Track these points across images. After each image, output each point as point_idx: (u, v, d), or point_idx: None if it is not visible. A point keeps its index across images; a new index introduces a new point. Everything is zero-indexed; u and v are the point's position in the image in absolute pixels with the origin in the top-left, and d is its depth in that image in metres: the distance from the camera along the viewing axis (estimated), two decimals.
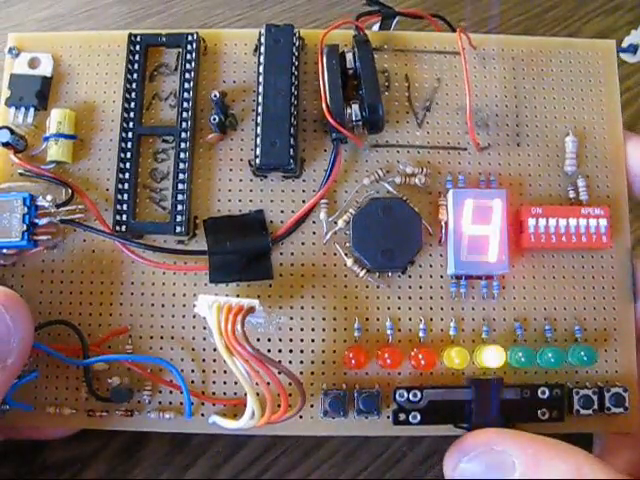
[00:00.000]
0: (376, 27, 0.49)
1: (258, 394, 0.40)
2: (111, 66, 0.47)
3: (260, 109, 0.44)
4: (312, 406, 0.43)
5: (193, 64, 0.46)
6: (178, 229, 0.44)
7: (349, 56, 0.45)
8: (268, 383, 0.39)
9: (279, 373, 0.40)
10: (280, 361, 0.43)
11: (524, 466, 0.37)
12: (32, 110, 0.46)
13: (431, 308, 0.44)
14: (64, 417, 0.43)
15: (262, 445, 0.47)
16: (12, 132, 0.44)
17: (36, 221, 0.43)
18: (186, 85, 0.45)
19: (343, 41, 0.47)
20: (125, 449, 0.47)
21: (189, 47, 0.46)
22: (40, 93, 0.46)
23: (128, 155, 0.45)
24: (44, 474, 0.47)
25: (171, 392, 0.43)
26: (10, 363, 0.38)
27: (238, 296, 0.44)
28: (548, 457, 0.37)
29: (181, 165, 0.45)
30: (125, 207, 0.44)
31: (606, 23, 0.59)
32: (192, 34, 0.46)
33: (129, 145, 0.45)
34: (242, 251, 0.44)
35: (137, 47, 0.46)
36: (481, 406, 0.42)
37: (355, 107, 0.44)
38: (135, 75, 0.46)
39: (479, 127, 0.46)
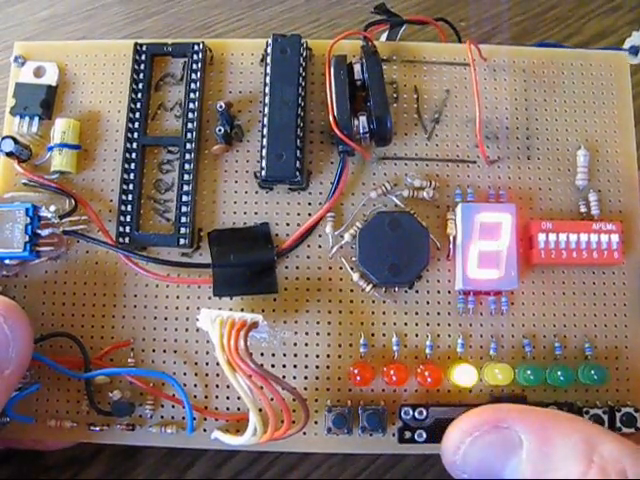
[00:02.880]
0: (384, 36, 0.48)
1: (261, 410, 0.39)
2: (116, 75, 0.46)
3: (266, 120, 0.44)
4: (316, 422, 0.42)
5: (199, 74, 0.45)
6: (182, 241, 0.43)
7: (357, 67, 0.44)
8: (271, 399, 0.39)
9: (282, 389, 0.39)
10: (284, 376, 0.43)
11: (533, 442, 0.34)
12: (37, 119, 0.45)
13: (438, 324, 0.44)
14: (65, 430, 0.42)
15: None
16: (16, 141, 0.43)
17: (39, 232, 0.42)
18: (191, 95, 0.45)
19: (351, 51, 0.46)
20: (125, 449, 0.47)
21: (195, 57, 0.45)
22: (45, 102, 0.45)
23: (132, 166, 0.44)
24: (44, 474, 0.47)
25: (173, 406, 0.43)
26: (8, 373, 0.38)
27: (242, 310, 0.44)
28: (558, 430, 0.34)
29: (185, 176, 0.44)
30: (129, 218, 0.44)
31: (606, 23, 0.59)
32: (198, 44, 0.46)
33: (133, 155, 0.44)
34: (246, 264, 0.44)
35: (143, 57, 0.46)
36: None
37: (363, 119, 0.43)
38: (140, 85, 0.45)
39: (489, 140, 0.45)
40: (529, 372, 0.42)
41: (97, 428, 0.42)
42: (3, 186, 0.45)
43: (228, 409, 0.43)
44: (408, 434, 0.42)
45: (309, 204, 0.45)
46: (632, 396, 0.43)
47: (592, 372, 0.42)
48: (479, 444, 0.36)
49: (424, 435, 0.41)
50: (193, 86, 0.45)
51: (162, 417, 0.43)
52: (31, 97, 0.45)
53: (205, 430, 0.43)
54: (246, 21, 0.56)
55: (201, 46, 0.45)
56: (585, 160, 0.45)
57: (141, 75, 0.45)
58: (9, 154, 0.43)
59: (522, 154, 0.46)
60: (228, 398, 0.43)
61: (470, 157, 0.45)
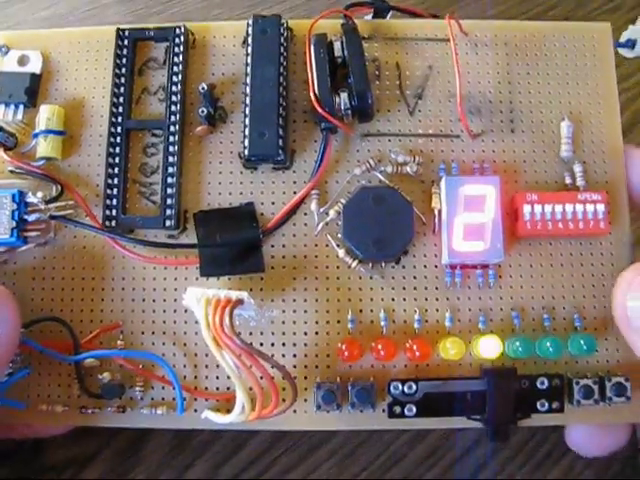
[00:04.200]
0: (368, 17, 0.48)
1: (251, 389, 0.39)
2: (100, 61, 0.47)
3: (248, 100, 0.44)
4: (306, 400, 0.42)
5: (181, 57, 0.45)
6: (168, 223, 0.43)
7: (337, 44, 0.44)
8: (260, 377, 0.39)
9: (271, 367, 0.39)
10: (273, 355, 0.43)
11: None
12: (21, 107, 0.46)
13: (426, 298, 0.44)
14: (57, 414, 0.42)
15: (262, 445, 0.47)
16: (1, 129, 0.44)
17: (25, 217, 0.43)
18: (174, 79, 0.45)
19: (332, 31, 0.46)
20: (125, 449, 0.47)
21: (177, 40, 0.46)
22: (29, 90, 0.46)
23: (117, 150, 0.45)
24: (44, 474, 0.47)
25: (163, 388, 0.43)
26: None
27: (229, 290, 0.44)
28: None
29: (170, 159, 0.44)
30: (115, 202, 0.44)
31: None
32: (179, 27, 0.46)
33: (118, 140, 0.45)
34: (233, 244, 0.44)
35: (125, 42, 0.46)
36: (496, 397, 0.41)
37: (344, 96, 0.43)
38: (124, 70, 0.45)
39: (472, 114, 0.45)
40: (518, 344, 0.42)
41: (89, 411, 0.42)
42: None
43: (218, 389, 0.43)
44: (398, 409, 0.41)
45: (294, 183, 0.45)
46: (622, 366, 0.43)
47: (581, 342, 0.42)
48: None
49: (414, 409, 0.41)
50: (176, 69, 0.45)
51: (152, 399, 0.43)
52: (15, 85, 0.45)
53: (196, 410, 0.43)
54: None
55: (182, 29, 0.46)
56: (569, 131, 0.45)
57: (124, 60, 0.46)
58: None
59: (506, 127, 0.45)
60: (218, 378, 0.43)
61: (453, 131, 0.45)
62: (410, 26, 0.47)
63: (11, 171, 0.45)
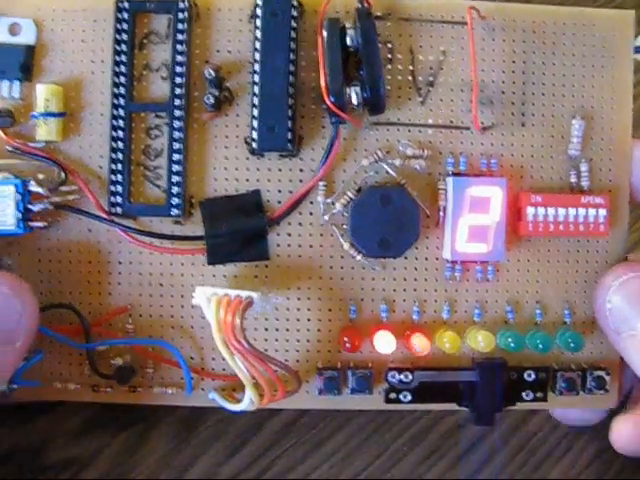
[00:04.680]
0: None
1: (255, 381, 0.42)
2: (97, 32, 0.44)
3: (257, 89, 0.42)
4: (307, 382, 0.45)
5: (185, 35, 0.43)
6: (174, 212, 0.43)
7: (350, 32, 0.42)
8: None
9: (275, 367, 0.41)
10: (277, 339, 0.45)
11: None
12: (17, 83, 0.43)
13: (425, 290, 0.45)
14: (70, 391, 0.45)
15: (262, 445, 0.49)
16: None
17: (30, 207, 0.42)
18: (178, 58, 0.43)
19: (344, 8, 0.44)
20: (125, 449, 0.48)
21: (180, 15, 0.43)
22: (24, 66, 0.43)
23: (120, 134, 0.43)
24: (44, 474, 0.48)
25: (172, 368, 0.45)
26: (19, 345, 0.40)
27: (235, 277, 0.45)
28: None
29: (176, 145, 0.43)
30: (120, 188, 0.43)
31: None
32: (184, 1, 0.43)
33: (121, 123, 0.43)
34: (239, 232, 0.44)
35: (125, 15, 0.43)
36: (485, 388, 0.44)
37: (356, 89, 0.42)
38: (124, 46, 0.43)
39: (483, 105, 0.44)
40: (510, 340, 0.44)
41: (101, 389, 0.45)
42: None
43: (224, 370, 0.45)
44: (394, 395, 0.45)
45: (300, 170, 0.44)
46: (604, 359, 0.46)
47: (569, 340, 0.44)
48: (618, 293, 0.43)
49: (409, 397, 0.44)
50: (179, 47, 0.43)
51: (162, 378, 0.45)
52: (9, 60, 0.43)
53: (203, 389, 0.45)
54: None
55: (187, 3, 0.43)
56: (580, 129, 0.44)
57: (124, 35, 0.43)
58: None
59: (516, 121, 0.45)
60: (223, 359, 0.45)
61: (464, 123, 0.45)
62: (425, 5, 0.45)
63: (10, 151, 0.44)
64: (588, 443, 0.50)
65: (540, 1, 0.50)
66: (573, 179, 0.45)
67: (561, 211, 0.43)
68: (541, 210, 0.43)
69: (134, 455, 0.48)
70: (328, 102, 0.41)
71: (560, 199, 0.44)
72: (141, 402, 0.45)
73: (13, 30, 0.44)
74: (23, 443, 0.48)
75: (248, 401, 0.42)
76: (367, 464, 0.49)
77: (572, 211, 0.44)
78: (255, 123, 0.42)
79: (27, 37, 0.44)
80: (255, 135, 0.42)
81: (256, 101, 0.42)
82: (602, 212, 0.44)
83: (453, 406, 0.45)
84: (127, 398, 0.45)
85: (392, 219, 0.43)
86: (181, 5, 0.43)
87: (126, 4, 0.43)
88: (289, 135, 0.42)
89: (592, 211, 0.44)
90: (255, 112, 0.42)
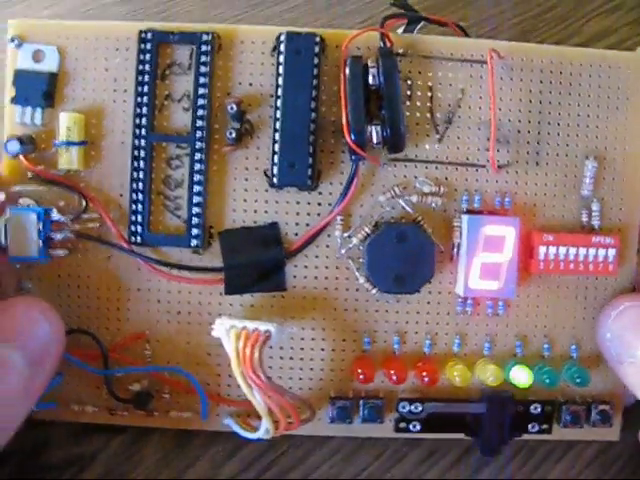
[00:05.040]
0: (400, 30, 0.46)
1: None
2: (120, 61, 0.44)
3: (278, 125, 0.43)
4: (320, 409, 0.46)
5: (208, 67, 0.43)
6: (194, 242, 0.44)
7: (373, 71, 0.42)
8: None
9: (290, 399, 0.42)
10: (291, 367, 0.46)
11: None
12: (39, 110, 0.44)
13: (437, 324, 0.46)
14: (87, 414, 0.46)
15: (262, 445, 0.49)
16: (22, 142, 0.42)
17: (51, 235, 0.43)
18: (200, 90, 0.43)
19: (366, 44, 0.44)
20: (125, 449, 0.48)
21: (203, 47, 0.43)
22: (47, 93, 0.43)
23: (141, 164, 0.44)
24: (44, 474, 0.48)
25: (188, 394, 0.46)
26: (48, 368, 0.41)
27: (252, 306, 0.46)
28: None
29: (196, 176, 0.44)
30: (140, 218, 0.44)
31: (606, 23, 0.56)
32: (207, 33, 0.43)
33: (142, 153, 0.44)
34: (257, 264, 0.45)
35: (148, 45, 0.43)
36: (492, 420, 0.45)
37: (377, 128, 0.42)
38: (147, 77, 0.43)
39: (499, 143, 0.45)
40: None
41: (118, 413, 0.46)
42: (10, 179, 0.44)
43: (239, 396, 0.46)
44: (404, 425, 0.46)
45: (318, 204, 0.45)
46: (609, 393, 0.47)
47: (575, 376, 0.45)
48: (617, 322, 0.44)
49: (418, 427, 0.46)
50: (202, 79, 0.43)
51: (178, 403, 0.46)
52: (32, 87, 0.43)
53: (218, 415, 0.46)
54: (246, 21, 0.53)
55: (210, 36, 0.43)
56: (593, 170, 0.45)
57: (147, 66, 0.43)
58: (15, 155, 0.42)
59: (531, 159, 0.46)
60: (239, 386, 0.45)
61: (479, 161, 0.45)
62: (445, 44, 0.45)
63: (31, 177, 0.44)
64: (588, 443, 0.50)
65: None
66: (584, 218, 0.46)
67: (572, 250, 0.44)
68: (552, 249, 0.44)
69: (134, 455, 0.48)
70: (349, 140, 0.42)
71: (571, 238, 0.45)
72: (157, 426, 0.46)
73: (37, 57, 0.44)
74: (23, 443, 0.48)
75: (264, 430, 0.43)
76: (367, 464, 0.49)
77: (582, 250, 0.45)
78: (276, 158, 0.43)
79: (50, 64, 0.44)
80: (275, 170, 0.43)
81: (277, 136, 0.43)
82: (612, 252, 0.45)
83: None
84: (143, 421, 0.46)
85: (408, 256, 0.44)
86: (204, 37, 0.43)
87: (149, 35, 0.43)
88: (309, 171, 0.43)
89: (602, 251, 0.45)
90: (276, 147, 0.43)
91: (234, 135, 0.43)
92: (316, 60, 0.43)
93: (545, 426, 0.46)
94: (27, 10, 0.52)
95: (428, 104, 0.45)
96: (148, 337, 0.45)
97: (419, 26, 0.45)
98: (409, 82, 0.45)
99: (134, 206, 0.44)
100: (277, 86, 0.43)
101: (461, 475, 0.49)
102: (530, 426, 0.46)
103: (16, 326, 0.40)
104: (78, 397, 0.46)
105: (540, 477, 0.49)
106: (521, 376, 0.45)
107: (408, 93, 0.45)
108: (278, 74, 0.43)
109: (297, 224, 0.45)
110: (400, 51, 0.45)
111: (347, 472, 0.48)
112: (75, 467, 0.48)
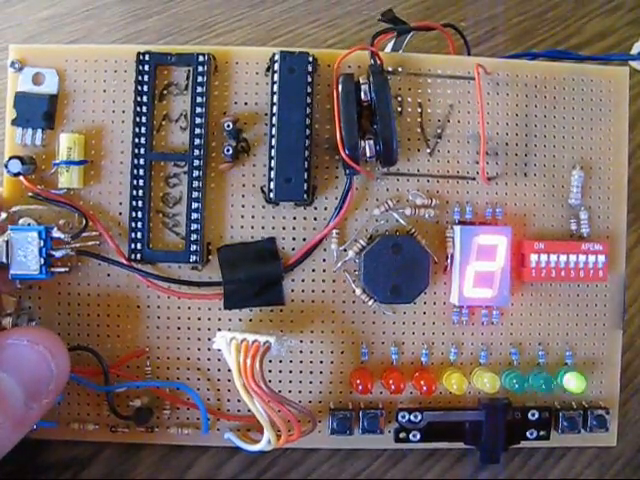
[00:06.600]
0: (390, 45, 0.47)
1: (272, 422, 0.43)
2: (118, 83, 0.45)
3: (274, 142, 0.44)
4: (320, 421, 0.46)
5: (204, 87, 0.44)
6: (193, 258, 0.45)
7: (364, 88, 0.44)
8: (288, 421, 0.43)
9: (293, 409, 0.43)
10: (291, 381, 0.46)
11: None
12: (40, 132, 0.45)
13: (433, 333, 0.47)
14: (88, 432, 0.46)
15: None
16: (23, 162, 0.43)
17: (52, 253, 0.43)
18: (197, 109, 0.44)
19: (357, 62, 0.46)
20: (125, 449, 0.48)
21: (200, 68, 0.45)
22: (47, 114, 0.44)
23: (140, 182, 0.45)
24: (44, 474, 0.48)
25: (188, 409, 0.46)
26: (46, 402, 0.41)
27: (250, 321, 0.46)
28: None
29: (194, 194, 0.45)
30: (140, 235, 0.45)
31: (606, 23, 0.58)
32: (204, 54, 0.45)
33: (141, 172, 0.45)
34: (255, 278, 0.46)
35: (146, 67, 0.45)
36: (490, 427, 0.46)
37: (370, 143, 0.44)
38: (145, 98, 0.44)
39: (489, 156, 0.47)
40: (515, 381, 0.46)
41: (119, 430, 0.46)
42: (10, 199, 0.45)
43: (239, 411, 0.46)
44: (403, 434, 0.46)
45: (314, 219, 0.46)
46: (604, 398, 0.48)
47: (571, 383, 0.46)
48: None
49: (418, 436, 0.46)
50: (199, 100, 0.44)
51: (178, 418, 0.46)
52: (32, 109, 0.44)
53: (219, 429, 0.47)
54: (246, 21, 0.55)
55: (206, 57, 0.44)
56: (580, 179, 0.47)
57: (145, 87, 0.44)
58: (16, 174, 0.43)
59: (520, 171, 0.47)
60: (239, 401, 0.46)
61: (470, 173, 0.47)
62: (434, 61, 0.47)
63: (31, 197, 0.45)
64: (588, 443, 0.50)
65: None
66: (573, 226, 0.47)
67: (562, 258, 0.46)
68: (544, 257, 0.46)
69: (134, 455, 0.48)
70: (343, 154, 0.43)
71: (561, 246, 0.46)
72: (158, 442, 0.47)
73: (37, 80, 0.45)
74: (24, 443, 0.46)
75: (266, 442, 0.43)
76: (367, 464, 0.49)
77: (573, 257, 0.46)
78: (272, 174, 0.44)
79: (50, 87, 0.45)
80: (272, 185, 0.44)
81: (273, 153, 0.44)
82: (601, 258, 0.46)
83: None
84: (144, 438, 0.46)
85: (403, 267, 0.45)
86: (200, 58, 0.45)
87: (147, 56, 0.45)
88: (305, 186, 0.44)
89: (592, 257, 0.46)
90: (272, 163, 0.44)
91: (231, 152, 0.44)
92: (309, 78, 0.44)
93: (543, 432, 0.46)
94: (27, 10, 0.53)
95: (418, 119, 0.47)
96: (148, 353, 0.46)
97: (410, 36, 0.47)
98: (399, 99, 0.47)
99: (134, 224, 0.45)
100: (272, 104, 0.44)
101: (460, 475, 0.49)
102: (528, 433, 0.46)
103: (20, 359, 0.39)
104: (79, 415, 0.46)
105: (540, 477, 0.49)
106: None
107: (399, 109, 0.47)
108: (273, 92, 0.44)
109: (294, 239, 0.46)
110: (390, 69, 0.46)
111: (347, 472, 0.48)
112: (75, 467, 0.48)
